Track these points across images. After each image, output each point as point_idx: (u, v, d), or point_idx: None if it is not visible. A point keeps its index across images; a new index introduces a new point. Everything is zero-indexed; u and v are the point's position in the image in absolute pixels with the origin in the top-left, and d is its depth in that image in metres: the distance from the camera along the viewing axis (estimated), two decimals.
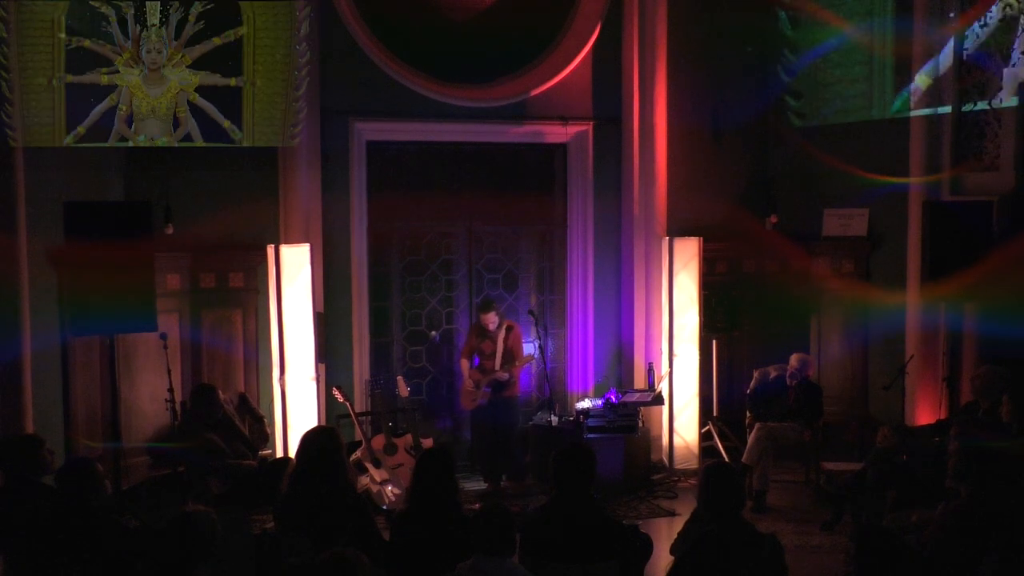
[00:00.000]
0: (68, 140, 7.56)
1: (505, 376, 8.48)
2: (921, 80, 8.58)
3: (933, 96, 8.52)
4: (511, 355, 8.49)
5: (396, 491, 7.52)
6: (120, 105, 7.69)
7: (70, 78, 7.50)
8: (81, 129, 7.60)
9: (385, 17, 8.66)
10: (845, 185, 9.36)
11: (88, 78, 7.57)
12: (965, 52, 8.38)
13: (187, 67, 7.77)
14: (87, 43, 7.51)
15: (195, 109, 7.86)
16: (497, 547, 4.16)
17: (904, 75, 8.75)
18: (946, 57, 8.42)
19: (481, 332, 8.54)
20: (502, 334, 8.48)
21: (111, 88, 7.64)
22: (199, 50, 7.79)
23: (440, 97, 8.83)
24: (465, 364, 8.57)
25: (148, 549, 4.49)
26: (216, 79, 7.86)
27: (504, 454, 8.50)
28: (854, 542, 4.12)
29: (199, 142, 7.89)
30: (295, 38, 8.04)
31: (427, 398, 9.21)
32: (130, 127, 7.73)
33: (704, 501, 4.48)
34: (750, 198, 9.71)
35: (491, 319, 8.45)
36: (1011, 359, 7.34)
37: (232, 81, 7.89)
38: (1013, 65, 8.05)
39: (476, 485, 8.49)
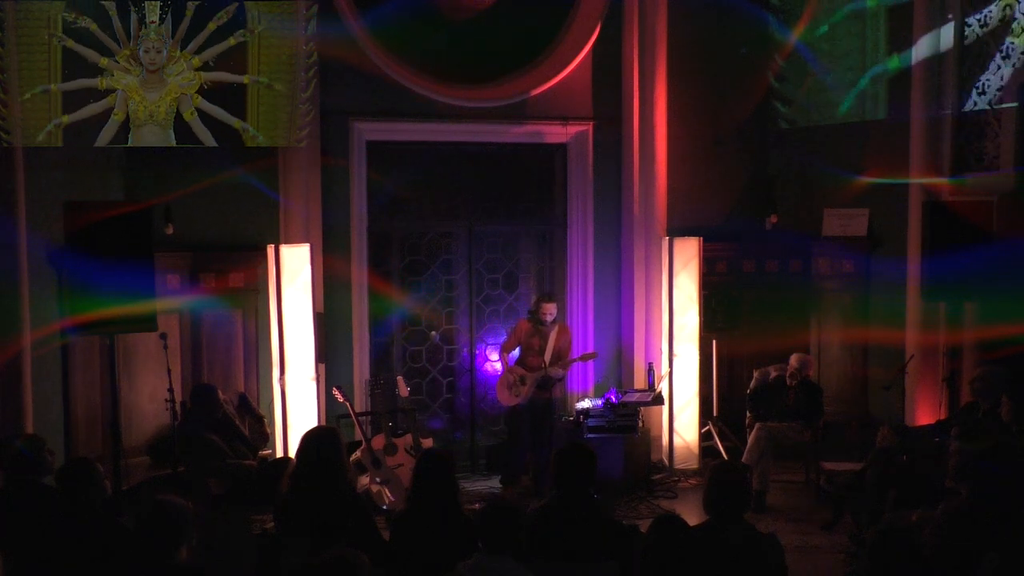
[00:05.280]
0: (48, 127, 7.51)
1: (561, 374, 8.51)
2: (865, 83, 8.65)
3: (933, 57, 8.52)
4: (560, 355, 8.48)
5: (396, 491, 7.52)
6: (115, 111, 7.68)
7: (65, 84, 7.50)
8: (64, 118, 7.55)
9: (385, 17, 8.65)
10: (845, 185, 9.38)
11: (84, 83, 7.56)
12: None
13: (195, 69, 7.77)
14: (69, 43, 7.52)
15: (202, 114, 7.86)
16: (502, 544, 4.15)
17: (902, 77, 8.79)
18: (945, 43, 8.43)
19: (534, 327, 8.49)
20: (555, 331, 8.46)
21: (108, 91, 7.65)
22: (210, 52, 7.80)
23: (440, 97, 8.83)
24: (505, 358, 8.55)
25: (130, 539, 4.53)
26: (225, 76, 7.86)
27: (537, 456, 8.41)
28: (872, 540, 4.12)
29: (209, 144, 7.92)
30: (301, 38, 8.03)
31: (427, 398, 9.23)
32: (127, 134, 7.73)
33: (710, 500, 4.47)
34: (750, 198, 9.72)
35: (551, 309, 8.43)
36: (1010, 360, 7.35)
37: (246, 79, 7.89)
38: (1013, 66, 8.05)
39: (475, 485, 8.50)
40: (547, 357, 8.41)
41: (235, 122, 7.91)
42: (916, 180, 8.60)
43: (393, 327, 9.15)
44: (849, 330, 9.41)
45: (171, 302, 7.98)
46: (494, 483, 8.63)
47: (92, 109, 7.64)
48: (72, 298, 6.66)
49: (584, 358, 8.80)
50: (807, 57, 9.47)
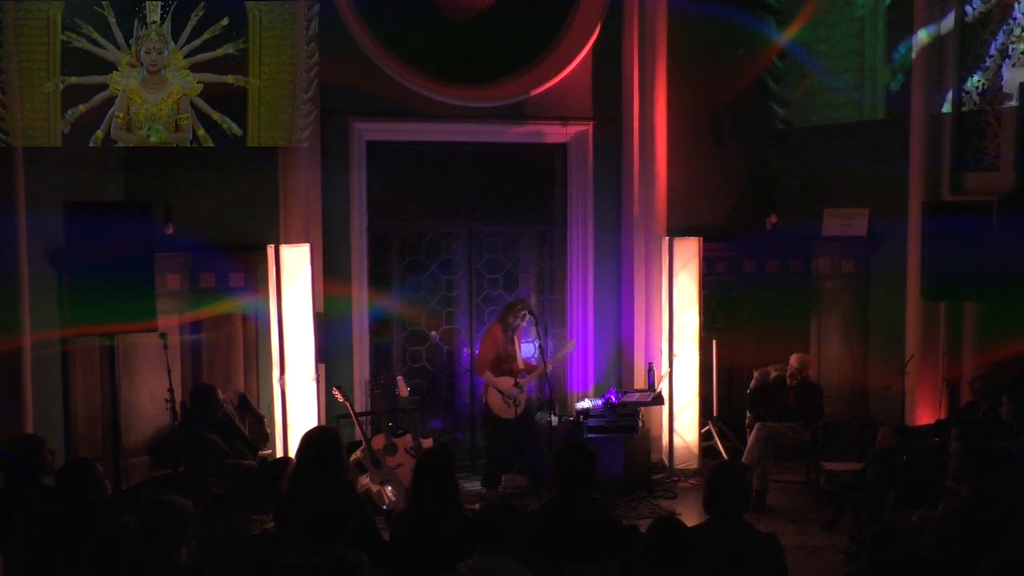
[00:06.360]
0: (68, 116, 7.51)
1: (548, 372, 8.51)
2: (924, 36, 8.52)
3: (933, 57, 8.48)
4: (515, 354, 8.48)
5: (396, 491, 7.52)
6: (117, 112, 7.67)
7: (73, 80, 7.49)
8: (81, 107, 7.55)
9: (385, 17, 8.66)
10: (845, 185, 9.38)
11: (86, 80, 7.56)
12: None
13: (188, 68, 7.77)
14: (85, 45, 7.51)
15: (195, 111, 7.86)
16: (502, 544, 4.15)
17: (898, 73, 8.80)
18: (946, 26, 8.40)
19: (508, 334, 8.36)
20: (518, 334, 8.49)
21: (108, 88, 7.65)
22: (202, 58, 7.79)
23: (440, 97, 8.83)
24: (490, 375, 8.30)
25: (131, 539, 4.53)
26: (214, 77, 7.85)
27: (531, 455, 8.38)
28: (871, 541, 4.13)
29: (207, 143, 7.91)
30: (302, 38, 8.02)
31: (427, 398, 9.23)
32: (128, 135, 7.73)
33: (710, 500, 4.47)
34: (750, 198, 9.72)
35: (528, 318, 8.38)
36: (1010, 359, 7.35)
37: (229, 78, 7.87)
38: (1013, 65, 8.06)
39: (475, 485, 8.49)
40: (519, 361, 8.41)
41: (213, 113, 7.85)
42: (916, 180, 8.60)
43: (393, 327, 9.15)
44: (849, 330, 9.42)
45: (171, 302, 7.98)
46: None
47: (102, 96, 7.62)
48: (72, 298, 6.67)
49: (566, 349, 8.85)
50: (804, 59, 9.48)
